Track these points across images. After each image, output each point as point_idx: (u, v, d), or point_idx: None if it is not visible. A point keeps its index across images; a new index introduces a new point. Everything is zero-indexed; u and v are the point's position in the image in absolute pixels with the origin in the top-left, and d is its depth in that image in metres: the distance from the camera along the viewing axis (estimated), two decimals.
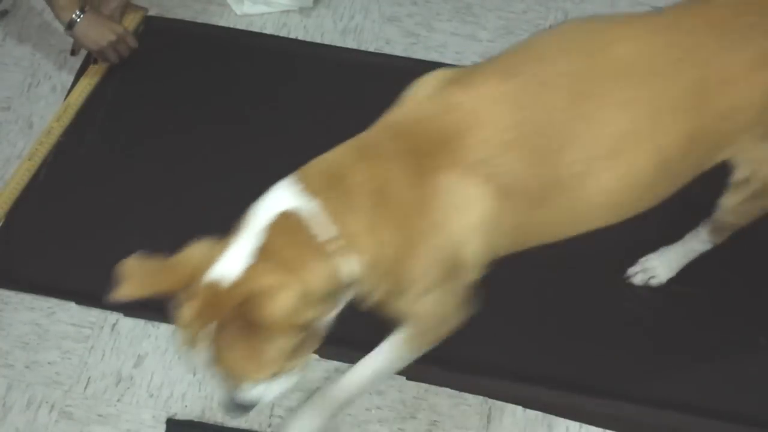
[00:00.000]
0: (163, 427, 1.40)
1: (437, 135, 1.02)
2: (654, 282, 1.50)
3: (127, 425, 1.41)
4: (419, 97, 1.08)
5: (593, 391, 1.42)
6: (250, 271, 0.96)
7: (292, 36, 1.87)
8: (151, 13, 1.89)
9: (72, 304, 1.51)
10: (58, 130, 1.70)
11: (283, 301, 0.92)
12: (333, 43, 1.85)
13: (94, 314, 1.51)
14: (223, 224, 1.59)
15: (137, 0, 1.88)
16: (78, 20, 1.65)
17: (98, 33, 1.68)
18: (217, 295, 0.95)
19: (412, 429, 1.41)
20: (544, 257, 1.55)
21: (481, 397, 1.43)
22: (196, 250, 1.00)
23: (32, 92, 1.78)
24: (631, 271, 1.51)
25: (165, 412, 1.42)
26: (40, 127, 1.72)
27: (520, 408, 1.42)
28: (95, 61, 1.78)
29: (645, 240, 1.57)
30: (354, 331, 1.48)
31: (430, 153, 1.02)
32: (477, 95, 1.03)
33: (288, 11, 1.90)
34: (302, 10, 1.90)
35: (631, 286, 1.52)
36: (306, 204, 1.00)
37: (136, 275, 0.98)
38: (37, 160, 1.67)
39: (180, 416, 1.41)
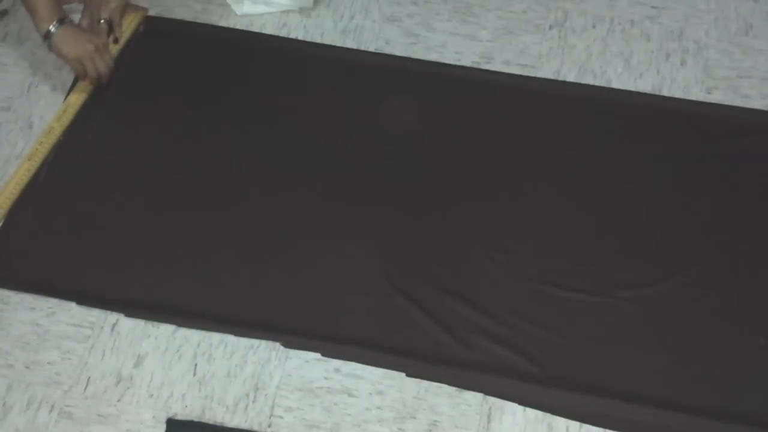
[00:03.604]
0: (164, 427, 1.40)
1: None
2: None
3: (127, 425, 1.41)
4: None
5: (591, 391, 1.42)
6: None
7: (292, 36, 1.87)
8: (151, 13, 1.89)
9: (72, 305, 1.51)
10: (58, 130, 1.70)
11: None
12: (333, 43, 1.85)
13: (94, 314, 1.51)
14: (225, 222, 1.60)
15: (137, 0, 1.88)
16: (54, 30, 1.64)
17: (74, 42, 1.66)
18: None
19: (412, 429, 1.41)
20: (539, 260, 1.56)
21: (481, 398, 1.43)
22: None
23: (32, 92, 1.78)
24: None
25: (165, 412, 1.42)
26: (40, 127, 1.73)
27: (520, 408, 1.42)
28: None
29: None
30: (355, 330, 1.49)
31: None
32: None
33: (288, 11, 1.90)
34: (302, 10, 1.90)
35: (629, 286, 1.52)
36: None
37: None
38: (37, 160, 1.67)
39: (180, 416, 1.42)
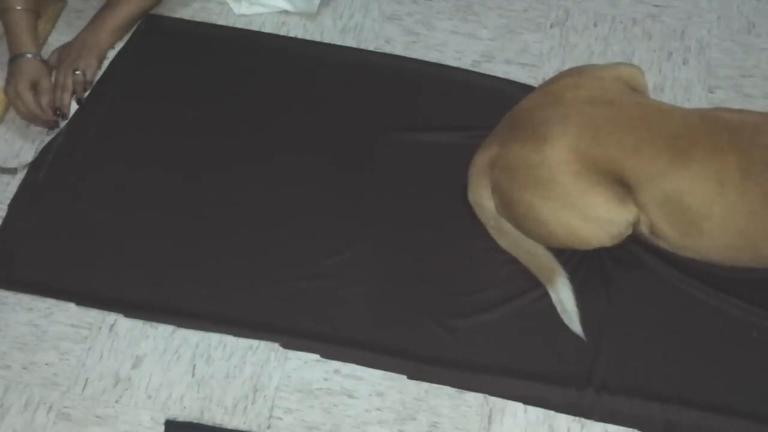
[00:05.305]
0: (162, 428, 1.39)
1: None
2: None
3: (125, 426, 1.40)
4: None
5: (589, 386, 1.42)
6: None
7: (291, 34, 1.86)
8: (151, 11, 1.88)
9: (70, 305, 1.50)
10: (58, 130, 1.70)
11: None
12: (333, 42, 1.84)
13: (92, 315, 1.50)
14: (224, 222, 1.59)
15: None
16: (25, 57, 1.67)
17: (27, 77, 1.66)
18: None
19: (412, 430, 1.40)
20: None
21: (481, 399, 1.42)
22: None
23: None
24: None
25: (163, 414, 1.41)
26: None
27: (521, 409, 1.41)
28: None
29: None
30: (354, 331, 1.48)
31: None
32: None
33: (287, 10, 1.88)
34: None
35: (623, 277, 1.52)
36: None
37: None
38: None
39: (178, 418, 1.41)
